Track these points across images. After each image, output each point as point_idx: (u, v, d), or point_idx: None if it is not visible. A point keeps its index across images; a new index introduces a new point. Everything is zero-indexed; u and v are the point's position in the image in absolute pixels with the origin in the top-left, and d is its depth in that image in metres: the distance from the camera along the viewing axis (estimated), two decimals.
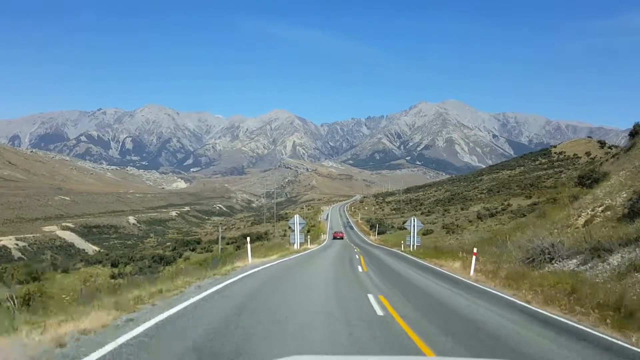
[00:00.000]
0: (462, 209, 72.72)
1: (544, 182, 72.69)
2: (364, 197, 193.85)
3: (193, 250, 68.85)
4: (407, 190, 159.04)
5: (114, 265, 53.06)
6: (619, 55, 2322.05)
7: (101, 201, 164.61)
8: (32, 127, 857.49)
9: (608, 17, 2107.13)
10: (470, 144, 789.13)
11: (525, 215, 48.35)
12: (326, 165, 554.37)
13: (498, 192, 77.48)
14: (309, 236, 54.20)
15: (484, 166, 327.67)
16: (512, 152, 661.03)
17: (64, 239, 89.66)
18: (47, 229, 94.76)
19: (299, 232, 34.49)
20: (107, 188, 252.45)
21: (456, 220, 63.18)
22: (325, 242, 55.80)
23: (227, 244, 74.75)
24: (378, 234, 72.32)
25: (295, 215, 36.23)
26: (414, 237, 38.34)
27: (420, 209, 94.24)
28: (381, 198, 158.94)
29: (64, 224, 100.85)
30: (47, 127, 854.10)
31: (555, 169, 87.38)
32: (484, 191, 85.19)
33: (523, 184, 76.13)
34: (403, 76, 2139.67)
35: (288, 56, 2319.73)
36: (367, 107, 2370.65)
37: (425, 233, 57.62)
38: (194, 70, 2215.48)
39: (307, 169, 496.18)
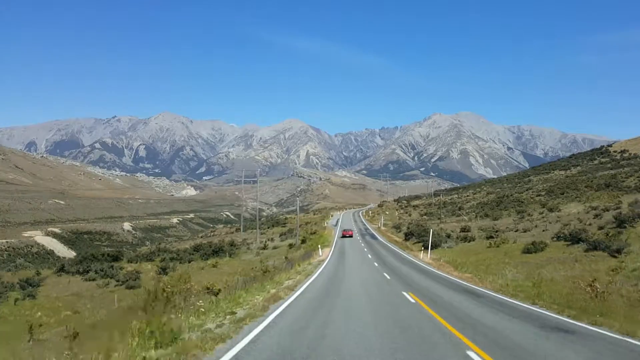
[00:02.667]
0: (550, 210, 55.70)
1: (623, 181, 64.37)
2: (383, 201, 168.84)
3: (85, 272, 40.83)
4: (437, 194, 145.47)
5: None
6: (636, 68, 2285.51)
7: (99, 206, 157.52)
8: (48, 133, 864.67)
9: (623, 29, 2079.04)
10: (485, 156, 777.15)
11: None
12: (339, 174, 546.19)
13: (562, 193, 68.48)
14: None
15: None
16: (527, 165, 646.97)
17: (42, 245, 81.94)
18: (27, 234, 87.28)
19: None
20: (114, 194, 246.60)
21: (565, 226, 39.81)
22: (323, 267, 29.22)
23: (153, 260, 50.46)
24: (426, 248, 42.00)
25: None
26: None
27: (460, 213, 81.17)
28: (405, 202, 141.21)
29: (49, 229, 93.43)
30: (62, 134, 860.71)
31: (631, 167, 78.66)
32: (542, 192, 75.92)
33: (594, 183, 66.88)
34: (417, 87, 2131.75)
35: (302, 66, 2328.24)
36: (381, 118, 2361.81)
37: (531, 250, 32.41)
38: (208, 79, 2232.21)
39: (320, 178, 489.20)
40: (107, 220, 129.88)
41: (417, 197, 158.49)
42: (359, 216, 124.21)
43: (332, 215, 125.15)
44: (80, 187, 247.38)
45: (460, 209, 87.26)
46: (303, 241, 57.25)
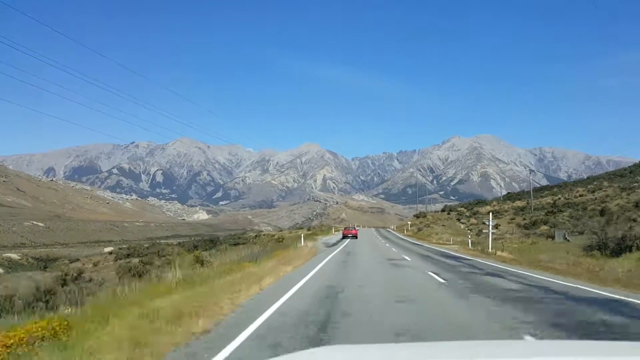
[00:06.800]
0: None
1: None
2: (420, 212, 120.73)
3: None
4: (508, 197, 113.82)
5: None
6: None
7: (87, 229, 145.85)
8: (67, 159, 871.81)
9: None
10: (506, 179, 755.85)
11: None
12: (357, 198, 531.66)
13: None
14: None
15: None
16: None
17: None
18: None
19: None
20: (119, 217, 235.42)
21: None
22: None
23: None
24: None
25: None
26: None
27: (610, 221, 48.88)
28: (463, 208, 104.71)
29: (5, 254, 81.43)
30: (81, 159, 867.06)
31: None
32: None
33: None
34: (435, 111, 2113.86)
35: (319, 91, 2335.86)
36: (398, 141, 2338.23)
37: None
38: (225, 104, 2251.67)
39: (337, 202, 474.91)
40: (89, 245, 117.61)
41: (479, 202, 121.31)
42: (389, 231, 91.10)
43: (334, 232, 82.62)
44: (85, 211, 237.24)
45: (604, 212, 47.02)
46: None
